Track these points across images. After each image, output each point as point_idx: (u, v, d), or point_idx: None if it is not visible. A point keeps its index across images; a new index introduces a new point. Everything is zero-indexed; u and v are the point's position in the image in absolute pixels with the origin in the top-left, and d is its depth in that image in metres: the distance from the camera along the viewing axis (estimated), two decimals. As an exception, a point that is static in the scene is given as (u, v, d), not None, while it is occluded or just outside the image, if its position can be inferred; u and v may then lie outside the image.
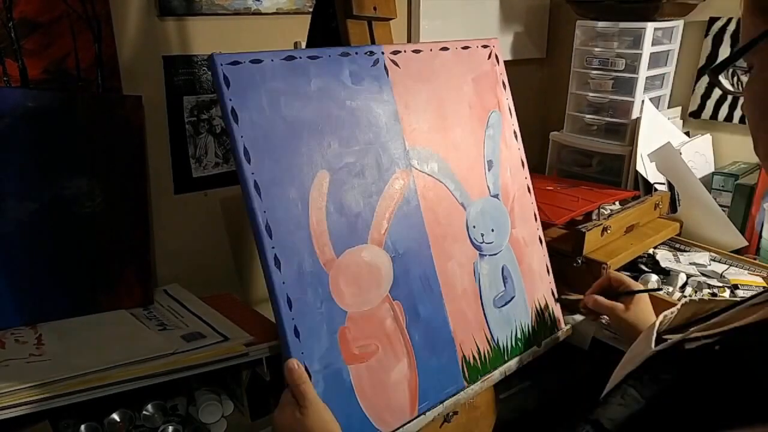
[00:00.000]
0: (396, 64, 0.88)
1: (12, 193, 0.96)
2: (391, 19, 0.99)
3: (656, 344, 0.53)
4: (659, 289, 1.04)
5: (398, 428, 0.81)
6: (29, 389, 0.76)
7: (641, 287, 0.99)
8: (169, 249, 1.22)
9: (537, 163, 1.84)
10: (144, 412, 0.92)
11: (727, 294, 1.22)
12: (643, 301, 0.97)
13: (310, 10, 1.18)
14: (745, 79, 0.49)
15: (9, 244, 0.96)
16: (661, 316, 0.66)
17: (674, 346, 0.48)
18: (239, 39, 1.21)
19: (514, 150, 1.04)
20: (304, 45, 1.17)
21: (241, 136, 0.72)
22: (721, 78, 0.49)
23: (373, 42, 0.96)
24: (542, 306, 1.04)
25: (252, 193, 0.71)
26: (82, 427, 0.87)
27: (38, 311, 0.98)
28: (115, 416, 0.89)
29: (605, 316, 0.99)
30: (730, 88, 0.50)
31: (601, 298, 0.98)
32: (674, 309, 0.68)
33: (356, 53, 0.85)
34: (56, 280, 1.00)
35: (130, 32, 1.09)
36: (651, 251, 1.38)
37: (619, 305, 0.96)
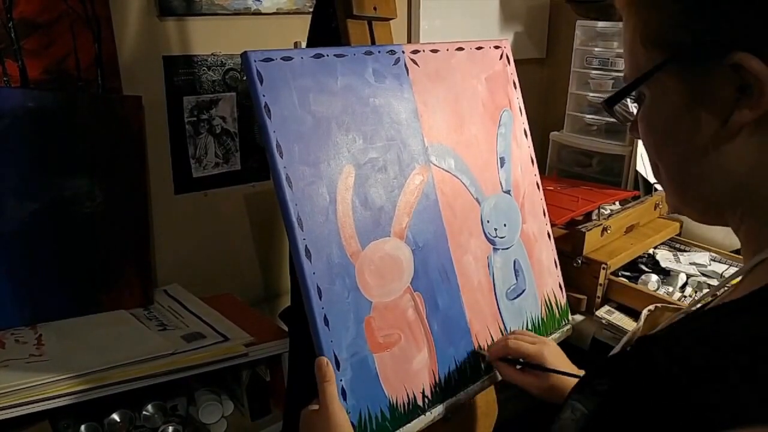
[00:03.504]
0: (415, 63, 0.91)
1: (12, 193, 0.96)
2: (391, 19, 0.99)
3: None
4: (566, 373, 0.81)
5: (412, 420, 0.83)
6: (29, 389, 0.77)
7: (546, 357, 0.82)
8: (169, 249, 1.22)
9: (537, 162, 1.84)
10: (144, 413, 0.92)
11: (727, 294, 1.22)
12: (553, 358, 0.83)
13: (310, 10, 1.18)
14: (633, 107, 0.51)
15: (9, 244, 0.96)
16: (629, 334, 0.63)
17: (614, 356, 0.48)
18: (239, 39, 1.21)
19: (525, 148, 1.06)
20: (304, 45, 1.17)
21: (274, 131, 0.74)
22: (615, 108, 0.51)
23: (373, 42, 0.96)
24: (551, 299, 1.06)
25: (284, 185, 0.73)
26: (82, 427, 0.87)
27: (38, 311, 0.98)
28: (115, 416, 0.89)
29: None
30: (623, 117, 0.52)
31: (509, 369, 0.85)
32: (639, 323, 0.65)
33: (378, 52, 0.87)
34: (56, 280, 1.00)
35: (130, 32, 1.09)
36: (651, 251, 1.38)
37: (530, 380, 0.83)
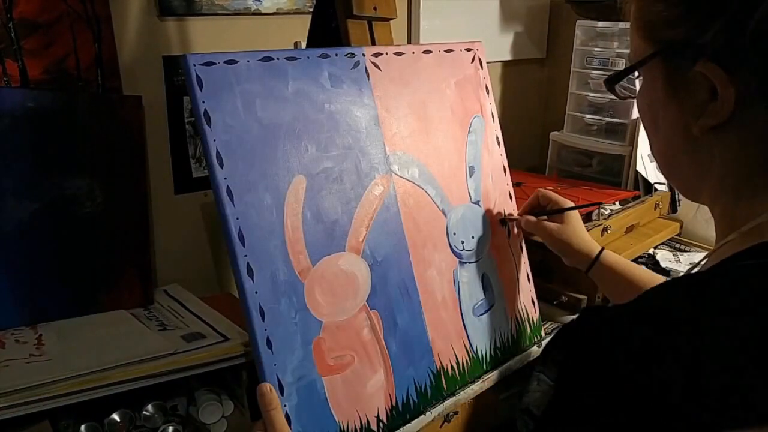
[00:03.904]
0: (377, 66, 0.86)
1: (12, 193, 0.96)
2: (391, 19, 0.99)
3: None
4: (585, 206, 1.09)
5: (394, 430, 0.81)
6: (29, 389, 0.76)
7: (570, 204, 0.98)
8: (170, 249, 1.22)
9: (537, 163, 1.84)
10: (144, 413, 0.92)
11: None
12: (575, 219, 0.97)
13: (310, 10, 1.18)
14: (636, 85, 0.55)
15: (9, 244, 0.96)
16: None
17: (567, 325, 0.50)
18: (239, 39, 1.21)
19: (496, 156, 1.02)
20: (304, 45, 1.17)
21: (214, 140, 0.69)
22: (616, 87, 0.56)
23: (373, 42, 0.96)
24: (523, 314, 1.01)
25: (224, 199, 0.69)
26: (82, 427, 0.87)
27: (38, 311, 0.98)
28: (115, 416, 0.89)
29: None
30: (621, 94, 0.58)
31: (532, 219, 0.98)
32: None
33: (336, 55, 0.82)
34: (56, 280, 1.00)
35: (130, 32, 1.09)
36: (651, 251, 1.38)
37: (550, 225, 0.97)
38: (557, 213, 0.98)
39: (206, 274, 1.28)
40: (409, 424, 0.81)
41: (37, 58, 0.98)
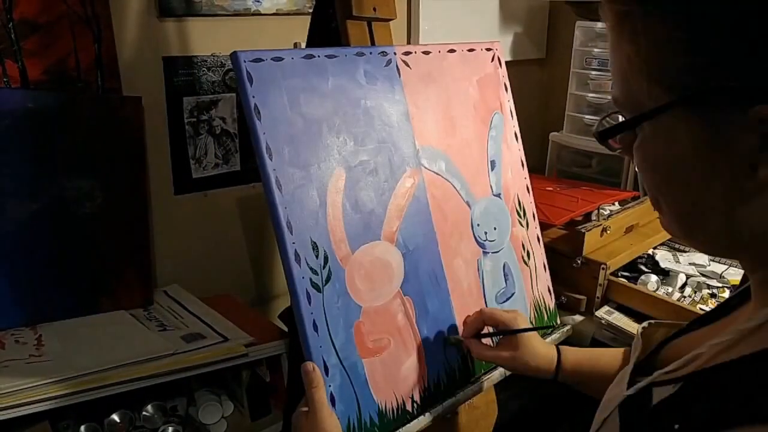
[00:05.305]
0: (407, 64, 0.90)
1: (12, 193, 0.96)
2: (390, 19, 0.99)
3: (629, 385, 0.50)
4: (537, 328, 0.91)
5: (400, 426, 0.82)
6: (29, 389, 0.77)
7: (522, 322, 0.84)
8: (169, 250, 1.22)
9: (537, 163, 1.84)
10: (144, 413, 0.92)
11: (726, 294, 1.22)
12: (527, 337, 0.83)
13: (310, 10, 1.18)
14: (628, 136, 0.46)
15: (9, 244, 0.96)
16: (633, 346, 0.61)
17: (644, 389, 0.47)
18: (239, 40, 1.21)
19: (515, 151, 1.06)
20: (304, 45, 1.17)
21: (264, 133, 0.73)
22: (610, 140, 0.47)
23: (372, 43, 0.96)
24: (540, 302, 1.05)
25: (273, 188, 0.73)
26: (82, 427, 0.87)
27: (38, 311, 0.98)
28: (115, 417, 0.90)
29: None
30: (614, 148, 0.49)
31: (481, 347, 0.86)
32: (636, 341, 0.61)
33: (370, 53, 0.86)
34: (56, 281, 1.00)
35: (130, 33, 1.09)
36: (650, 251, 1.38)
37: (503, 354, 0.83)
38: (509, 334, 0.84)
39: (206, 275, 1.28)
40: (409, 424, 0.82)
41: (37, 58, 0.99)
